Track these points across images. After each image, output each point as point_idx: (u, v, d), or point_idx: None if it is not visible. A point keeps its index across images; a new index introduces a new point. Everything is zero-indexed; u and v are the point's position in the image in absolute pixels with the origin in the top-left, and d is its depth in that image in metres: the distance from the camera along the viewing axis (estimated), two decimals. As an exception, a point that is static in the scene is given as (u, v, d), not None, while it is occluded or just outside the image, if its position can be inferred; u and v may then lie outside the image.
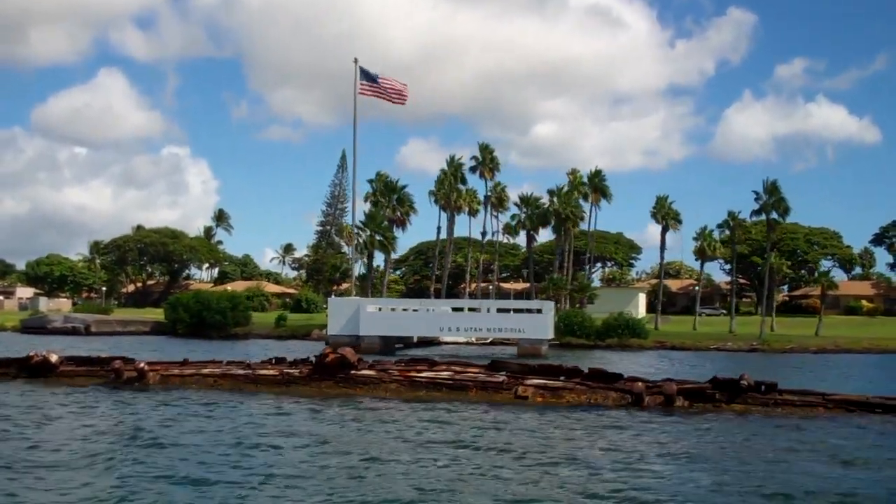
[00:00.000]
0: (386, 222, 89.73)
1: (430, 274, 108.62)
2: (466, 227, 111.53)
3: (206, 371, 31.14)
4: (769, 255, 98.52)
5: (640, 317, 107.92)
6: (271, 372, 30.47)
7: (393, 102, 66.76)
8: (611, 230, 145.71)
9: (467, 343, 72.04)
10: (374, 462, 17.15)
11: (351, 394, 28.40)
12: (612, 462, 17.53)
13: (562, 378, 28.07)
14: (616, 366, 50.20)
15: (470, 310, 66.66)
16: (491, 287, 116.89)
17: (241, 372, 30.70)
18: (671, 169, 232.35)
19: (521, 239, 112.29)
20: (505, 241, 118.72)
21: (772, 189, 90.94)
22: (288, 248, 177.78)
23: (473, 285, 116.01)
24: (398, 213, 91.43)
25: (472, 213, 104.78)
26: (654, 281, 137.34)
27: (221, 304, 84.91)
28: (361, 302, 64.79)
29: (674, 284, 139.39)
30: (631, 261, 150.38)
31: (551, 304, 66.71)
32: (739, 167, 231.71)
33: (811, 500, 14.43)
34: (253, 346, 67.54)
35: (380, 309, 64.41)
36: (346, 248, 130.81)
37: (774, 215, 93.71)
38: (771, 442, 20.47)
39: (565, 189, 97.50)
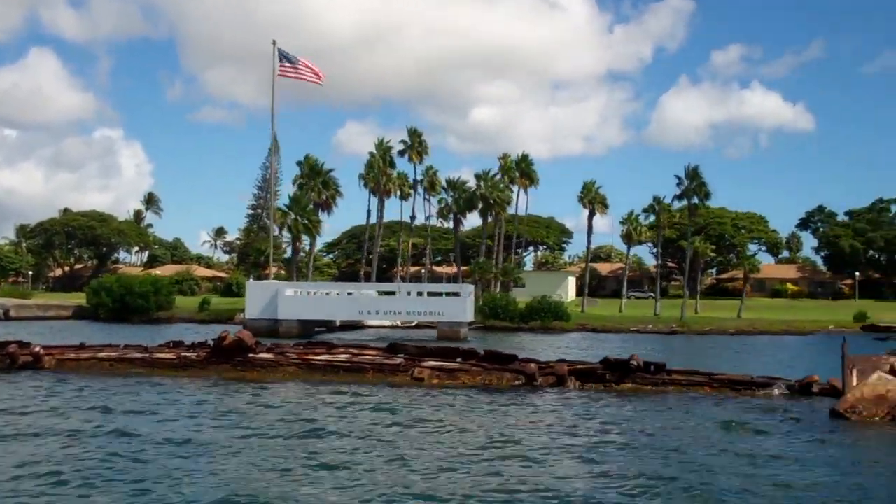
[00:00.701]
0: (311, 206, 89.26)
1: (363, 258, 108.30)
2: (399, 210, 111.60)
3: (102, 355, 30.82)
4: (691, 240, 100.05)
5: (569, 300, 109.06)
6: (168, 356, 30.27)
7: (313, 83, 66.30)
8: (551, 215, 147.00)
9: (392, 327, 71.97)
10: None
11: (248, 377, 28.32)
12: (484, 438, 17.71)
13: (458, 360, 28.28)
14: (538, 347, 51.26)
15: (389, 293, 66.57)
16: (423, 271, 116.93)
17: (138, 356, 30.44)
18: (609, 154, 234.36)
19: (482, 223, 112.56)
20: (439, 224, 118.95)
21: (693, 174, 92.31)
22: (220, 232, 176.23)
23: (406, 269, 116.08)
24: (324, 197, 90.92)
25: (404, 196, 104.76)
26: (584, 264, 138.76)
27: (144, 288, 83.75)
28: (280, 286, 64.29)
29: (604, 268, 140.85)
30: (563, 245, 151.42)
31: (470, 287, 66.81)
32: (675, 153, 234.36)
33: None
34: (175, 331, 66.73)
35: (297, 292, 63.95)
36: (278, 232, 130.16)
37: (696, 200, 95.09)
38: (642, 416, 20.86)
39: (493, 173, 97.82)
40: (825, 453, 16.93)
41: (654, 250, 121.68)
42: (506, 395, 24.72)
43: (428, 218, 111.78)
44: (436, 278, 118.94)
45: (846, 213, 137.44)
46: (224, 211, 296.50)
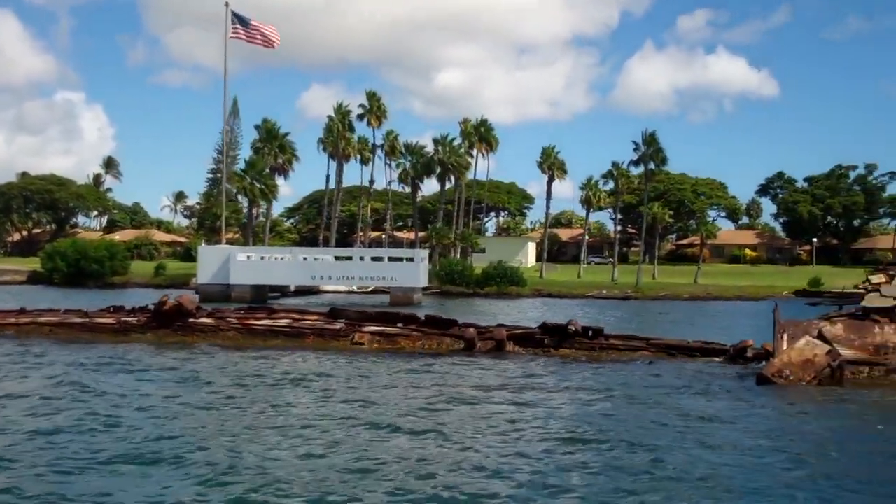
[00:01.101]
0: (268, 170, 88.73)
1: (323, 222, 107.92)
2: (360, 175, 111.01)
3: (42, 320, 30.50)
4: (647, 205, 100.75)
5: (529, 265, 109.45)
6: (108, 320, 29.99)
7: (265, 47, 65.70)
8: (513, 180, 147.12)
9: (349, 292, 71.90)
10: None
11: (188, 342, 28.18)
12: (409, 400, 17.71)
13: (399, 325, 28.26)
14: (491, 313, 51.45)
15: (345, 258, 66.39)
16: (384, 236, 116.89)
17: (78, 321, 30.15)
18: (575, 119, 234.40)
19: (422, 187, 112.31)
20: (400, 189, 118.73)
21: (650, 140, 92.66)
22: (180, 196, 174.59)
23: (366, 234, 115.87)
24: (280, 161, 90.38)
25: (364, 161, 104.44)
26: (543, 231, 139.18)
27: (99, 252, 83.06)
28: (232, 250, 63.90)
29: (565, 234, 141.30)
30: (524, 210, 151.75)
31: (424, 253, 66.86)
32: (640, 118, 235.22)
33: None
34: (129, 296, 66.21)
35: (250, 257, 63.61)
36: (238, 197, 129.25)
37: (652, 166, 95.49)
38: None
39: (451, 138, 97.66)
40: (748, 416, 17.08)
41: (614, 216, 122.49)
42: (433, 360, 24.70)
43: (389, 183, 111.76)
44: (397, 243, 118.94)
45: (805, 180, 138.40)
46: (186, 175, 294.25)
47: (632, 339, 27.09)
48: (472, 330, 27.27)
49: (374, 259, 64.18)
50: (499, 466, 12.38)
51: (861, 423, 16.74)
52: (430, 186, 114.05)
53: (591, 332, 26.93)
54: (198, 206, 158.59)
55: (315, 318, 29.19)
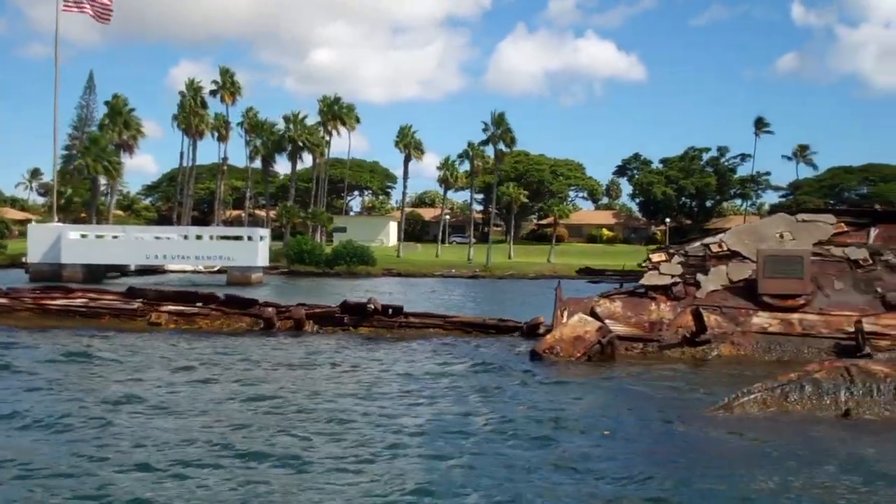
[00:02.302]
0: (112, 147, 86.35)
1: (180, 201, 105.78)
2: (221, 153, 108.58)
3: None
4: (502, 185, 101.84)
5: (391, 244, 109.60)
6: None
7: (99, 21, 63.67)
8: (384, 160, 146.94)
9: (194, 271, 70.72)
10: None
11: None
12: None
13: (199, 304, 27.80)
14: (334, 292, 51.12)
15: (180, 237, 64.85)
16: (244, 214, 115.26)
17: None
18: (446, 99, 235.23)
19: (283, 166, 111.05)
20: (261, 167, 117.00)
21: (499, 121, 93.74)
22: (35, 173, 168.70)
23: (226, 212, 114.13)
24: (125, 137, 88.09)
25: (222, 138, 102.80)
26: (408, 209, 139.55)
27: (-65, 231, 79.87)
28: (63, 229, 61.97)
29: (428, 213, 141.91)
30: (387, 189, 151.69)
31: (262, 231, 66.05)
32: (511, 100, 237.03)
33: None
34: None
35: (86, 236, 61.81)
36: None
37: (502, 146, 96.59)
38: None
39: (302, 115, 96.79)
40: (511, 389, 17.23)
41: (478, 196, 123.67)
42: (226, 340, 24.39)
43: (251, 161, 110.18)
44: (257, 222, 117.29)
45: (661, 161, 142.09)
46: (44, 152, 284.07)
47: (429, 316, 27.28)
48: (270, 309, 26.99)
49: (215, 238, 63.05)
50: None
51: (592, 392, 17.09)
52: (285, 165, 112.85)
53: (390, 311, 26.98)
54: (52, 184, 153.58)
55: (112, 297, 28.44)
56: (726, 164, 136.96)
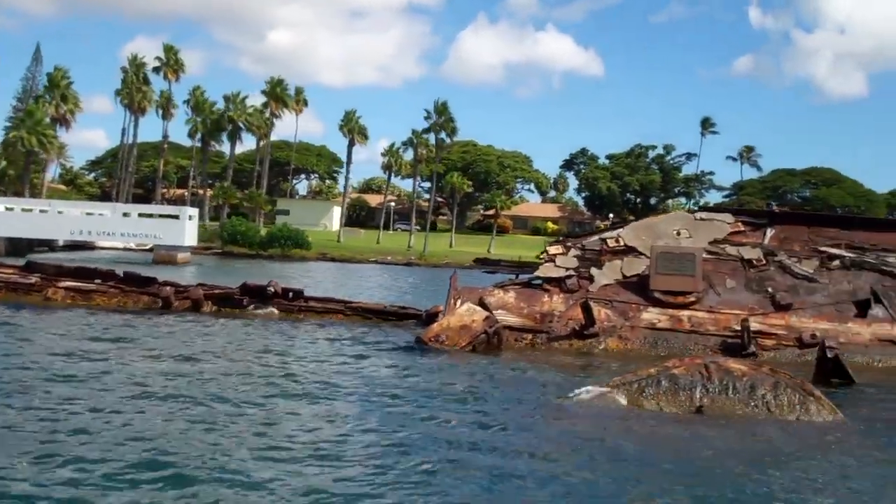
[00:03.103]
0: (48, 120, 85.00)
1: (124, 177, 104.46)
2: (168, 130, 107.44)
3: None
4: (434, 175, 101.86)
5: (334, 229, 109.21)
6: None
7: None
8: (332, 144, 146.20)
9: (126, 249, 69.93)
10: None
11: None
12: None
13: (97, 281, 27.41)
14: (260, 273, 50.62)
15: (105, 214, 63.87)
16: (187, 193, 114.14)
17: None
18: (405, 86, 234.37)
19: (226, 147, 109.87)
20: (212, 147, 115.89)
21: (441, 110, 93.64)
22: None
23: (171, 190, 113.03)
24: (62, 111, 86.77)
25: (167, 116, 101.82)
26: (355, 195, 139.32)
27: None
28: (-14, 200, 61.13)
29: (374, 199, 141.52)
30: (334, 174, 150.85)
31: (191, 210, 65.38)
32: (470, 90, 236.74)
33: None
34: None
35: (10, 209, 60.65)
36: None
37: (444, 135, 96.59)
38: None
39: (242, 96, 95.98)
40: (391, 376, 17.11)
41: (423, 184, 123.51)
42: (116, 317, 24.03)
43: (192, 138, 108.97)
44: (201, 201, 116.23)
45: (607, 157, 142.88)
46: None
47: (330, 301, 27.13)
48: (168, 288, 26.69)
49: (143, 216, 62.29)
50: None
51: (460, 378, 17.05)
52: (244, 145, 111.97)
53: (291, 294, 26.82)
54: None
55: (9, 271, 27.97)
56: (672, 162, 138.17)
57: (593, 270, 23.54)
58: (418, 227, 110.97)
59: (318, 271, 60.71)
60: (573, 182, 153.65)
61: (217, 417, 12.35)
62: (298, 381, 15.93)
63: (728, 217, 24.59)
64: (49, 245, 63.10)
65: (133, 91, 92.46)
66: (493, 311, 22.73)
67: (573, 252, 24.00)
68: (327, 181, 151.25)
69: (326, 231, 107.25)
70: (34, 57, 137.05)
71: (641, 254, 23.60)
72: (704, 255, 23.45)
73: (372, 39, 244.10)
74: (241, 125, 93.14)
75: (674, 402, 14.67)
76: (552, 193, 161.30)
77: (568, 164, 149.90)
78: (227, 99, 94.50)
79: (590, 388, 15.06)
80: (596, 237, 24.50)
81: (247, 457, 10.20)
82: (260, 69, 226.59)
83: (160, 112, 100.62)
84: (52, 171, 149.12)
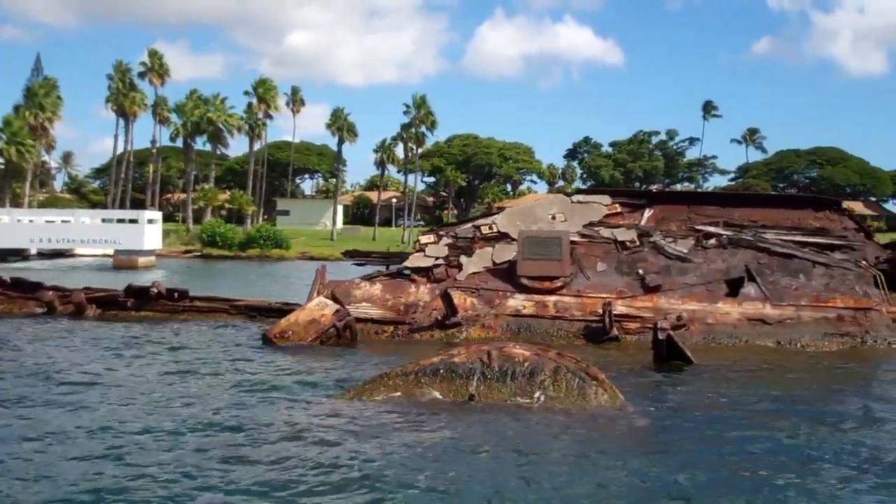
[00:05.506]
0: (27, 129, 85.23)
1: (117, 182, 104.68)
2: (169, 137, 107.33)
3: None
4: (418, 171, 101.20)
5: (337, 228, 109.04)
6: None
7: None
8: (325, 143, 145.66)
9: (104, 255, 69.99)
10: None
11: None
12: None
13: (-18, 288, 27.16)
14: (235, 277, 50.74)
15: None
16: (188, 197, 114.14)
17: None
18: (425, 83, 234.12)
19: (235, 149, 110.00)
20: (207, 150, 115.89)
21: (420, 104, 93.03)
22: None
23: (178, 196, 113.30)
24: (40, 120, 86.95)
25: (163, 121, 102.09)
26: (357, 193, 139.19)
27: None
28: (-46, 211, 61.22)
29: (376, 197, 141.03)
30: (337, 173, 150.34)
31: (152, 214, 65.19)
32: (490, 83, 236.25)
33: None
34: None
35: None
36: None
37: (423, 129, 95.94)
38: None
39: (221, 97, 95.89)
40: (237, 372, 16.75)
41: (424, 180, 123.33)
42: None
43: (205, 144, 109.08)
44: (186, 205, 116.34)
45: (610, 145, 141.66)
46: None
47: (215, 300, 26.67)
48: (51, 293, 26.36)
49: (103, 221, 62.13)
50: None
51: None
52: (240, 147, 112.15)
53: (176, 295, 26.41)
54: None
55: None
56: (675, 147, 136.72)
57: (462, 258, 22.96)
58: (422, 223, 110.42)
59: (293, 270, 60.35)
60: (578, 171, 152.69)
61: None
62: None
63: (605, 199, 23.89)
64: (20, 254, 63.10)
65: (120, 96, 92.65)
66: (359, 304, 22.31)
67: (445, 241, 23.42)
68: (331, 180, 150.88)
69: (326, 230, 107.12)
70: (35, 67, 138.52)
71: (514, 240, 22.99)
72: (577, 239, 22.84)
73: (391, 38, 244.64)
74: (220, 126, 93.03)
75: (448, 390, 14.10)
76: (561, 184, 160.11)
77: (571, 154, 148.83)
78: (206, 101, 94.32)
79: (369, 380, 14.56)
80: (469, 224, 23.91)
81: None
82: (281, 72, 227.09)
83: (157, 118, 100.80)
84: (58, 180, 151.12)
